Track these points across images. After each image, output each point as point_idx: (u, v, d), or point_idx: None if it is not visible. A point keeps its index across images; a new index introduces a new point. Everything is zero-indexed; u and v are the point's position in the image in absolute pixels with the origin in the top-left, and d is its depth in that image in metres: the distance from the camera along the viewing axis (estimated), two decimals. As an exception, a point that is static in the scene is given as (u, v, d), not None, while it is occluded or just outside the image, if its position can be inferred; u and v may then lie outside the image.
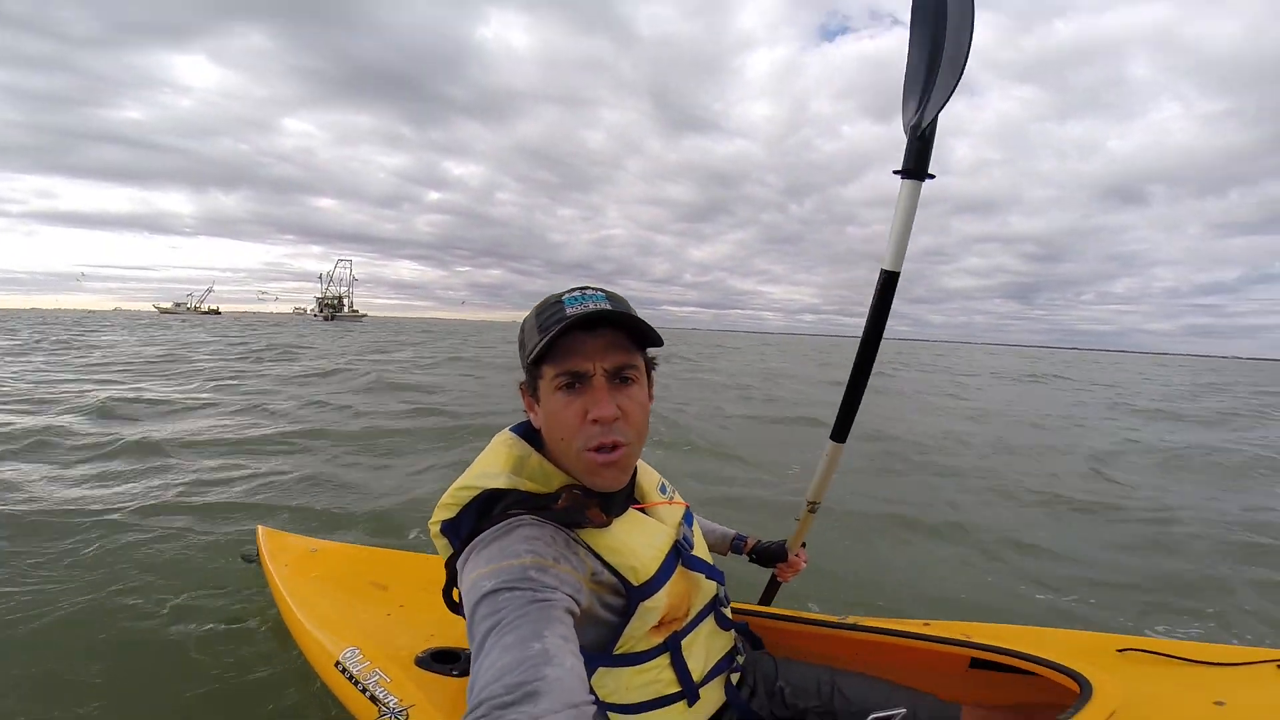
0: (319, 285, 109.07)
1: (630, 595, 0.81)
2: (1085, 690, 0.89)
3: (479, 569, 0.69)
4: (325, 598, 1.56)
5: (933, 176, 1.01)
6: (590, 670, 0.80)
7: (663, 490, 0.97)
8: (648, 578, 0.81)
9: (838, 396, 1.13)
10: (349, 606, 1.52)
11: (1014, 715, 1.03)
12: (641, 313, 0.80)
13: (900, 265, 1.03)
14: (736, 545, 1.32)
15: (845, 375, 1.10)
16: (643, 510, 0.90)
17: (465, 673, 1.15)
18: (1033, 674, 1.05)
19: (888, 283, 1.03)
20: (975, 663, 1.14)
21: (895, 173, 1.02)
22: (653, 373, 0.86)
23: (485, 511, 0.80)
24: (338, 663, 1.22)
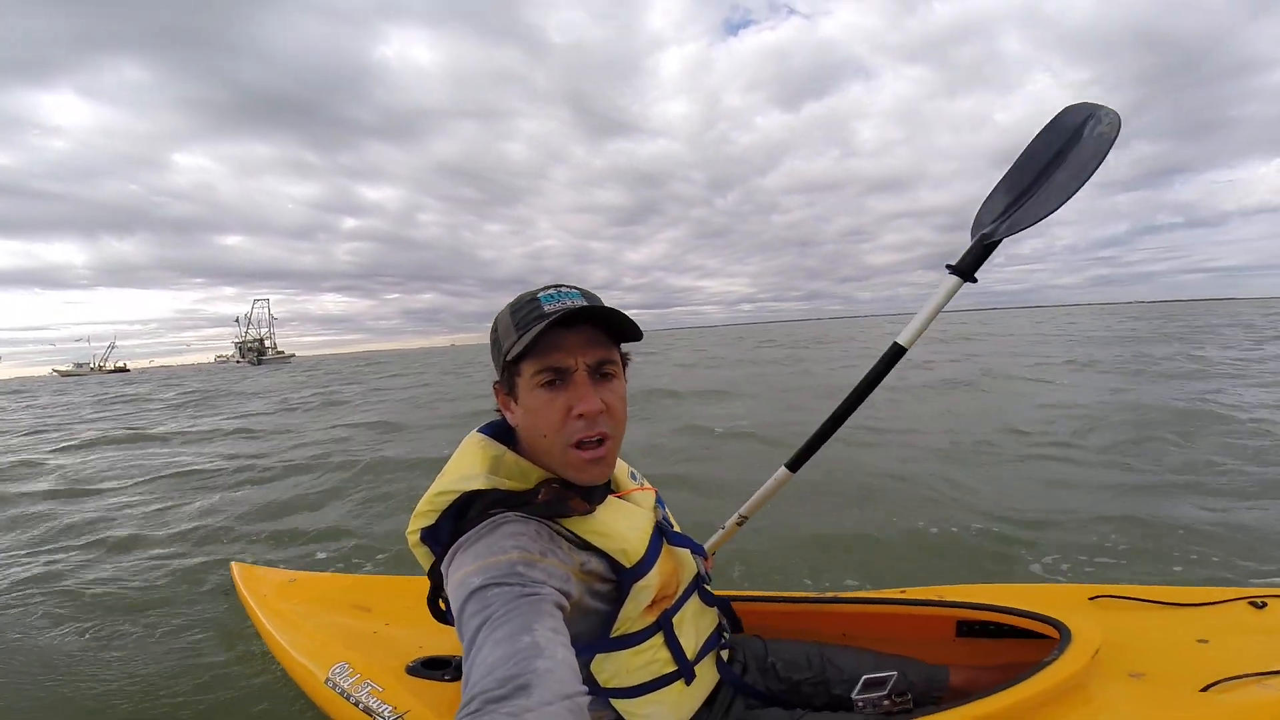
0: (237, 329, 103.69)
1: (622, 577, 0.82)
2: (1065, 635, 0.94)
3: (466, 567, 0.69)
4: (308, 621, 1.54)
5: (976, 280, 1.04)
6: (589, 657, 0.83)
7: (633, 477, 0.99)
8: (639, 558, 0.83)
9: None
10: (333, 628, 1.50)
11: (1000, 674, 1.09)
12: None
13: (912, 344, 1.08)
14: None
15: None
16: (619, 498, 0.92)
17: (458, 677, 1.16)
18: (1015, 634, 1.10)
19: (894, 355, 1.09)
20: (961, 629, 1.19)
21: (947, 266, 1.05)
22: (627, 367, 0.88)
23: (463, 515, 0.79)
24: (328, 680, 1.22)
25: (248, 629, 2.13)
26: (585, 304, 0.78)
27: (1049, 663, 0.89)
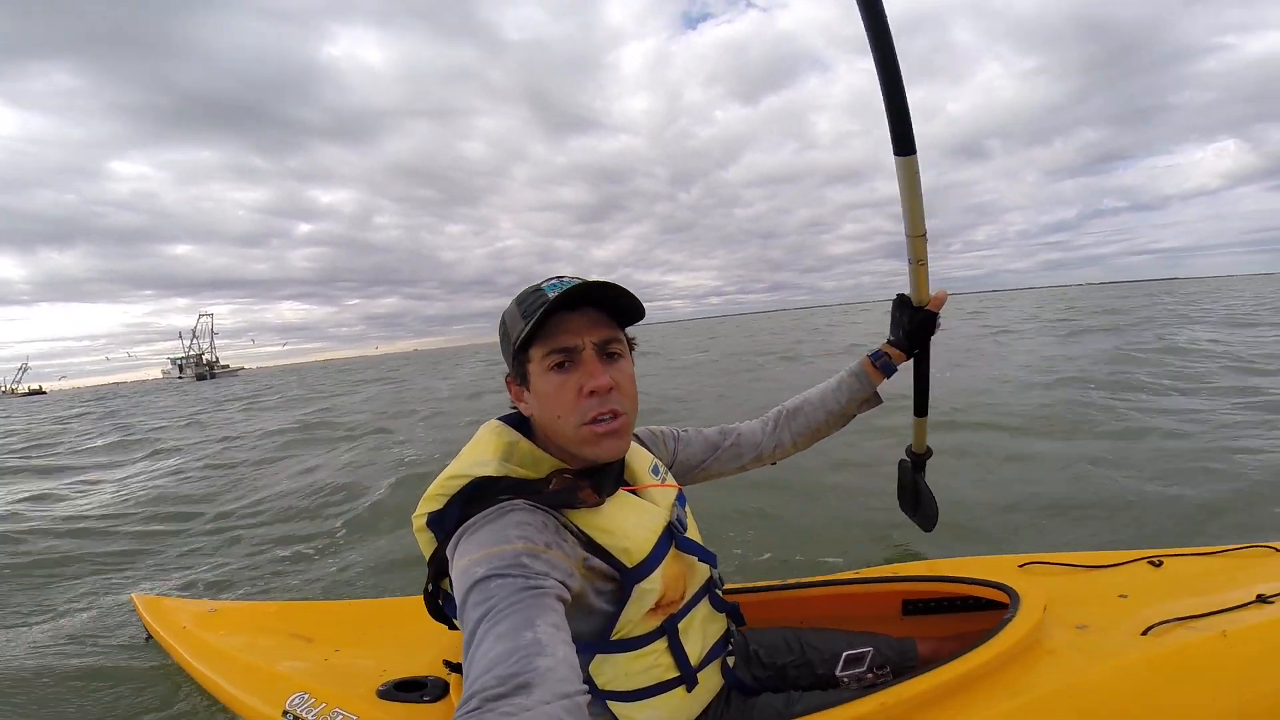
0: (181, 344, 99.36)
1: (624, 578, 0.81)
2: (1014, 597, 1.04)
3: (471, 554, 0.69)
4: (246, 655, 1.39)
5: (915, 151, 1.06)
6: (588, 658, 0.82)
7: (655, 472, 0.96)
8: (641, 559, 0.82)
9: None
10: (277, 660, 1.37)
11: (959, 643, 1.18)
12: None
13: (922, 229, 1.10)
14: (884, 364, 1.17)
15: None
16: (634, 492, 0.90)
17: (438, 698, 1.10)
18: (961, 608, 1.21)
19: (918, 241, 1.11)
20: (907, 607, 1.28)
21: (898, 155, 1.07)
22: (633, 350, 0.88)
23: (471, 501, 0.78)
24: (285, 712, 1.10)
25: (166, 667, 1.89)
26: (587, 282, 0.79)
27: (1008, 620, 0.98)
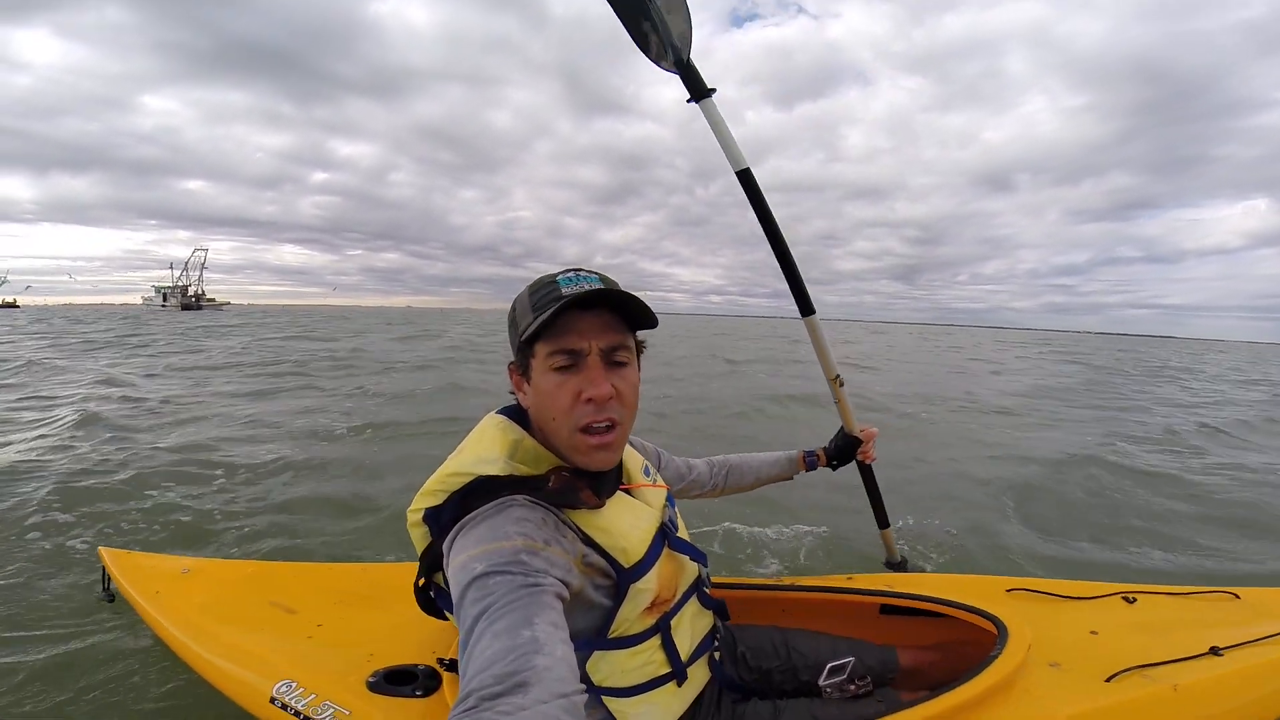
0: (170, 273, 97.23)
1: (620, 578, 0.82)
2: (1002, 631, 1.10)
3: (469, 550, 0.68)
4: (224, 626, 1.36)
5: (714, 90, 1.42)
6: (585, 655, 0.83)
7: (646, 473, 0.98)
8: (637, 559, 0.83)
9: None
10: (257, 634, 1.35)
11: (938, 653, 1.24)
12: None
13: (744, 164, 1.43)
14: (810, 461, 1.40)
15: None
16: (628, 492, 0.92)
17: (429, 692, 1.10)
18: (946, 616, 1.27)
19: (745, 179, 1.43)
20: (886, 608, 1.34)
21: (688, 101, 1.44)
22: (640, 356, 0.87)
23: (470, 497, 0.77)
24: (273, 699, 1.10)
25: (132, 626, 1.86)
26: (603, 287, 0.77)
27: (994, 658, 1.03)
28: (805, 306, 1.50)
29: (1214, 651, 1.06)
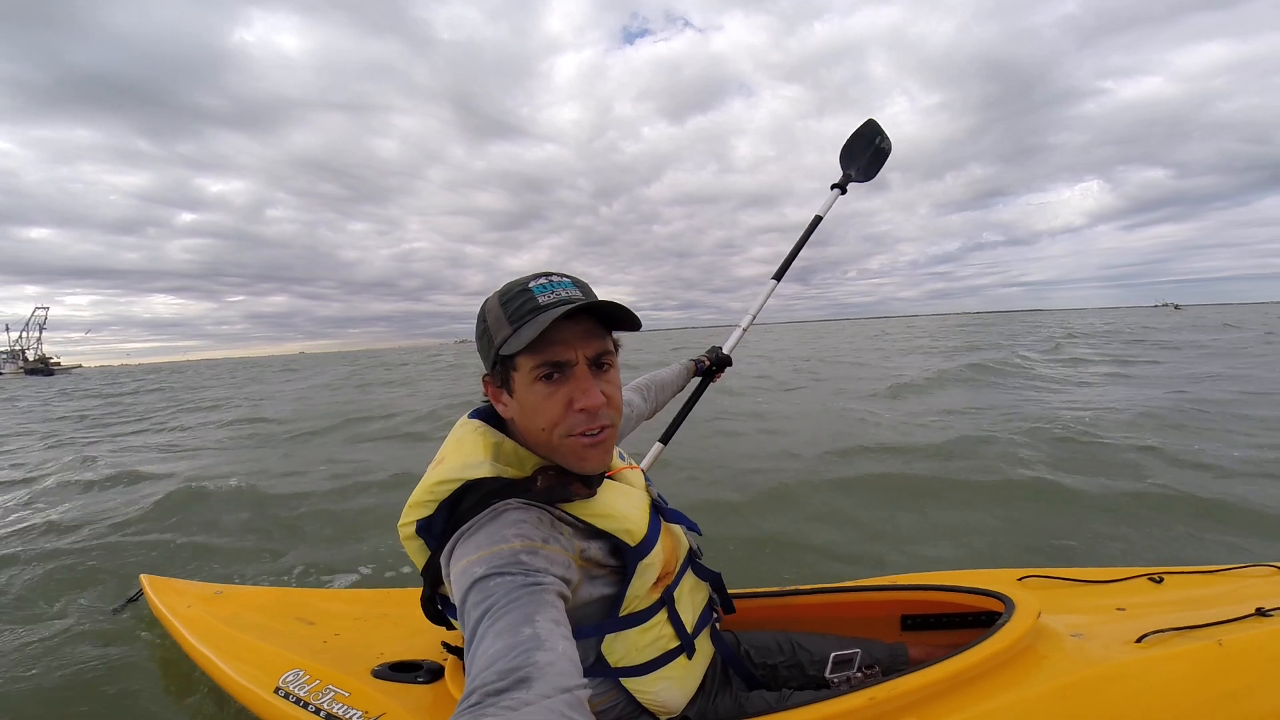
0: (5, 336, 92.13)
1: (629, 556, 0.83)
2: (1008, 604, 1.04)
3: (468, 556, 0.69)
4: (246, 633, 1.41)
5: (847, 190, 2.12)
6: (599, 639, 0.84)
7: (621, 457, 1.00)
8: (642, 537, 0.84)
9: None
10: (276, 640, 1.39)
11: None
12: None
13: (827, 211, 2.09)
14: (701, 368, 1.68)
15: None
16: (612, 478, 0.93)
17: (432, 679, 1.11)
18: (958, 625, 1.20)
19: (816, 221, 2.03)
20: (906, 623, 1.27)
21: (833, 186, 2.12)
22: (618, 352, 0.86)
23: (459, 505, 0.78)
24: (278, 688, 1.12)
25: (163, 643, 1.92)
26: (581, 296, 0.77)
27: (1002, 624, 0.98)
28: (779, 274, 2.02)
29: (1260, 613, 0.96)
